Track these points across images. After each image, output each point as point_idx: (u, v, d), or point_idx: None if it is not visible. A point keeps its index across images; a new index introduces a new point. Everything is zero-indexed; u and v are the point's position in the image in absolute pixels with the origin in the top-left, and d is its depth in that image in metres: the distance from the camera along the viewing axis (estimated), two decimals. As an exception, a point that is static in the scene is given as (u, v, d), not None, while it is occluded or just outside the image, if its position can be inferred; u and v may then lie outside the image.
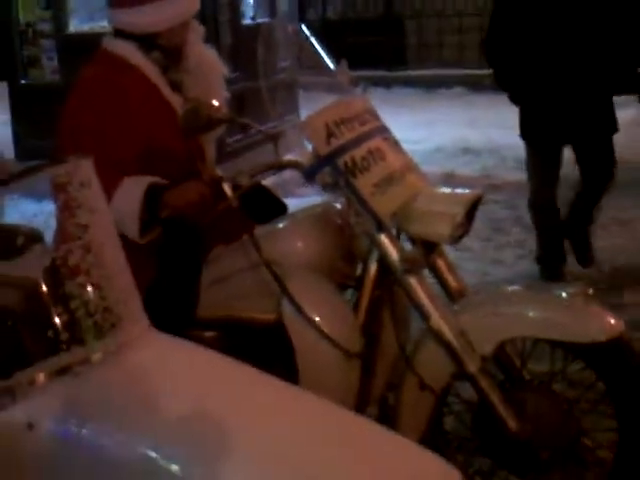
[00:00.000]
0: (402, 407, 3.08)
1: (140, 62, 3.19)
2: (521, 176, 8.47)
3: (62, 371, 2.23)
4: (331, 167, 2.89)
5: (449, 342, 2.93)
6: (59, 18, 8.54)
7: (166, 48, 3.22)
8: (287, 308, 2.91)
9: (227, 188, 2.83)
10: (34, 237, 3.52)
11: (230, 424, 2.17)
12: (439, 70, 14.28)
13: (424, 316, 2.96)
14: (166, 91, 3.21)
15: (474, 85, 14.07)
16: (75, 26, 8.61)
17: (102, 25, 8.48)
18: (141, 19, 3.19)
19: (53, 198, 2.42)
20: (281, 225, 3.17)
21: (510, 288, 3.31)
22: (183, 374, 2.34)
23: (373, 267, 3.05)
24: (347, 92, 3.18)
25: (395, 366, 3.20)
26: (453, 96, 13.46)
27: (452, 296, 3.14)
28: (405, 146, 3.13)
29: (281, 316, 2.97)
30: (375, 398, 3.19)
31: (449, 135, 10.13)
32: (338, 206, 3.24)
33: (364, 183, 2.90)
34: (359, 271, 3.19)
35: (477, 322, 2.99)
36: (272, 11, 8.96)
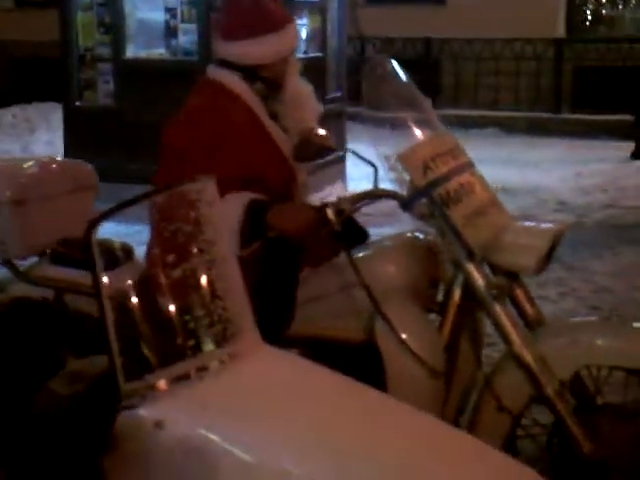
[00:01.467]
0: (478, 427, 3.23)
1: (243, 92, 3.38)
2: (560, 217, 8.69)
3: (186, 375, 2.41)
4: (427, 198, 3.08)
5: (529, 365, 3.10)
6: (117, 43, 8.78)
7: (268, 79, 3.41)
8: (380, 328, 3.08)
9: (330, 213, 3.00)
10: (128, 252, 3.73)
11: (342, 434, 2.32)
12: (473, 111, 14.50)
13: (507, 341, 3.13)
14: (266, 120, 3.39)
15: (508, 126, 14.30)
16: (132, 52, 8.84)
17: (158, 52, 8.76)
18: (247, 52, 3.37)
19: (152, 219, 2.58)
20: (371, 250, 3.34)
21: (586, 318, 3.48)
22: (297, 385, 2.50)
23: (457, 293, 3.22)
24: (435, 128, 3.37)
25: (468, 389, 3.38)
26: (487, 136, 13.68)
27: (530, 324, 3.31)
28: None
29: (371, 336, 3.15)
30: (448, 418, 3.35)
31: (484, 174, 10.27)
32: (421, 235, 3.43)
33: (457, 214, 3.08)
34: (440, 296, 3.37)
35: (555, 349, 3.16)
36: (323, 47, 9.18)
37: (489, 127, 14.01)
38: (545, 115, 14.70)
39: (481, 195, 3.23)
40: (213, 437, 2.33)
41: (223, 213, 2.98)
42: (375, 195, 3.14)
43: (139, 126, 8.60)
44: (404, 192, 3.14)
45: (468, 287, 3.19)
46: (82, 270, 3.59)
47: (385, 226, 7.30)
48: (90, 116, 8.91)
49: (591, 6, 16.15)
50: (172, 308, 2.46)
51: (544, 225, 3.35)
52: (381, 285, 3.13)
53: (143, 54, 8.82)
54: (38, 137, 12.34)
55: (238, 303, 2.52)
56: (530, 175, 10.88)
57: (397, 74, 3.32)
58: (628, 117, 12.75)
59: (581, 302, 6.15)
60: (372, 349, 3.16)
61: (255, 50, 3.36)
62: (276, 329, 3.12)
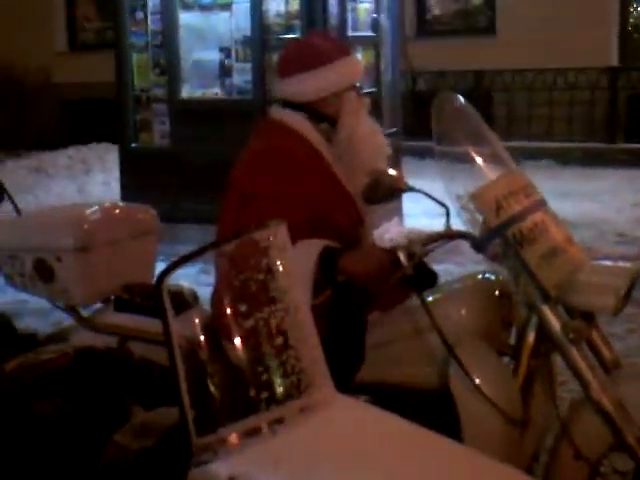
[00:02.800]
0: (555, 475, 3.13)
1: (307, 132, 3.32)
2: (622, 249, 8.54)
3: (260, 429, 2.34)
4: (500, 238, 2.99)
5: (609, 412, 2.99)
6: (172, 84, 8.81)
7: (326, 116, 3.34)
8: (454, 374, 2.99)
9: (402, 256, 2.93)
10: (193, 296, 3.68)
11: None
12: (527, 142, 14.36)
13: (584, 386, 3.03)
14: (332, 160, 3.33)
15: (562, 158, 14.14)
16: (187, 92, 8.87)
17: (213, 92, 8.78)
18: (300, 87, 3.33)
19: (220, 264, 2.52)
20: (443, 293, 3.26)
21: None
22: (373, 437, 2.42)
23: (531, 336, 3.13)
24: (506, 165, 3.29)
25: (543, 435, 3.27)
26: (541, 168, 13.53)
27: (606, 367, 3.20)
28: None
29: (444, 382, 3.06)
30: (522, 465, 3.24)
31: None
32: (492, 276, 3.34)
33: (531, 254, 3.00)
34: (512, 339, 3.28)
35: (635, 393, 3.05)
36: (377, 82, 9.14)
37: (543, 159, 13.84)
38: (600, 145, 14.52)
39: (555, 234, 3.13)
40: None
41: (296, 261, 2.93)
42: (448, 236, 3.06)
43: (195, 166, 8.63)
44: (476, 232, 3.06)
45: (542, 329, 3.09)
46: (146, 317, 3.57)
47: (446, 262, 7.22)
48: (146, 157, 8.94)
49: (644, 33, 16.00)
50: (245, 358, 2.40)
51: (621, 263, 3.25)
52: (454, 329, 3.05)
53: (198, 94, 8.85)
54: (93, 178, 12.43)
55: (312, 353, 2.45)
56: (587, 207, 10.72)
57: (466, 110, 3.25)
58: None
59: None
60: (445, 396, 3.07)
61: (305, 85, 3.32)
62: (346, 376, 3.04)
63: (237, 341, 2.41)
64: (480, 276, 3.34)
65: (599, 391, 3.00)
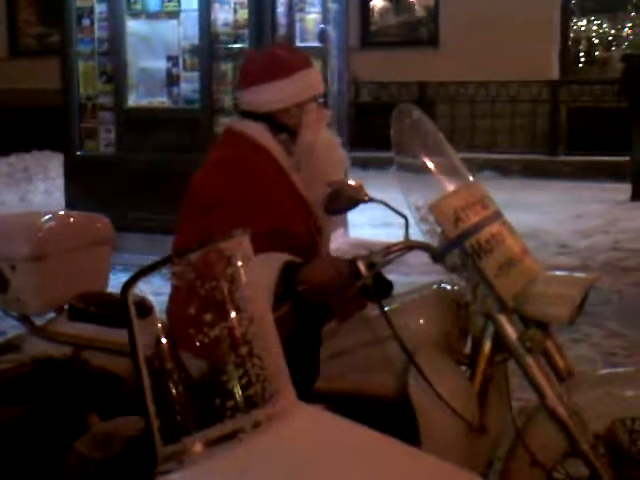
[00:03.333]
0: (510, 481, 3.17)
1: (268, 142, 3.33)
2: (564, 260, 8.67)
3: (225, 437, 2.34)
4: (459, 249, 3.03)
5: (564, 420, 3.05)
6: (119, 92, 8.77)
7: (286, 127, 3.36)
8: (414, 382, 3.02)
9: (362, 267, 2.95)
10: (149, 307, 3.66)
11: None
12: (469, 154, 14.50)
13: (540, 394, 3.08)
14: (291, 171, 3.35)
15: (504, 169, 14.31)
16: (134, 100, 8.83)
17: (160, 100, 8.75)
18: (260, 98, 3.34)
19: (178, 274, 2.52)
20: (400, 302, 3.29)
21: (616, 370, 3.42)
22: (336, 445, 2.44)
23: (487, 345, 3.17)
24: (463, 177, 3.34)
25: (496, 443, 3.32)
26: (483, 179, 13.63)
27: (560, 375, 3.25)
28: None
29: (403, 390, 3.08)
30: (478, 472, 3.28)
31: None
32: (447, 286, 3.38)
33: (489, 265, 3.04)
34: (467, 349, 3.32)
35: (589, 402, 3.10)
36: (324, 93, 9.17)
37: (485, 170, 13.99)
38: (541, 157, 14.73)
39: (512, 245, 3.19)
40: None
41: (257, 273, 2.93)
42: (407, 247, 3.09)
43: (141, 175, 8.60)
44: (435, 243, 3.09)
45: (498, 339, 3.14)
46: (101, 326, 3.55)
47: (393, 273, 7.26)
48: (92, 165, 8.88)
49: (583, 47, 16.26)
50: (206, 368, 2.40)
51: (576, 275, 3.31)
52: (413, 338, 3.08)
53: (145, 102, 8.81)
54: (36, 186, 12.32)
55: (275, 361, 2.46)
56: (529, 218, 10.85)
57: (425, 121, 3.29)
58: (624, 158, 12.77)
59: (595, 348, 6.10)
60: (403, 404, 3.09)
61: (267, 95, 3.33)
62: (303, 388, 3.06)
63: (199, 350, 2.41)
64: (436, 286, 3.37)
65: (554, 399, 3.06)
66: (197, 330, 2.40)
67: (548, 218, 10.92)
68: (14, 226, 3.71)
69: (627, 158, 12.55)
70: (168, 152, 8.53)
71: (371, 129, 14.66)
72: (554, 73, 15.52)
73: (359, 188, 3.11)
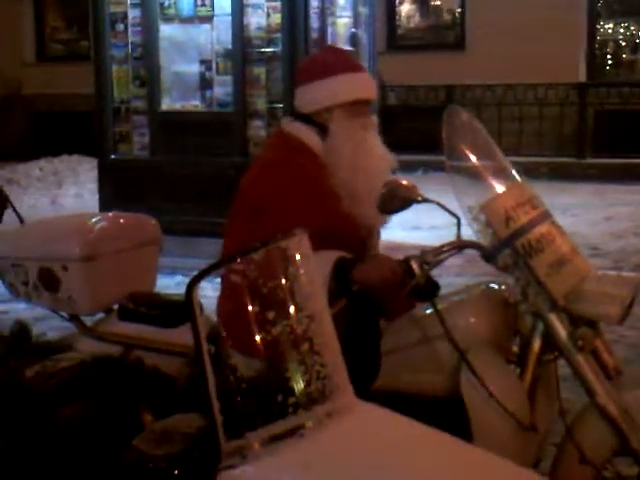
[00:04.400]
0: (559, 479, 3.19)
1: (315, 145, 3.36)
2: (597, 263, 8.66)
3: (286, 434, 2.38)
4: (510, 249, 3.06)
5: (614, 418, 3.07)
6: (153, 96, 8.83)
7: (322, 126, 3.37)
8: (466, 381, 3.05)
9: (415, 266, 2.98)
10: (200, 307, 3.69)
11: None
12: (497, 157, 14.48)
13: (590, 392, 3.10)
14: None
15: (532, 172, 14.28)
16: (167, 104, 8.90)
17: (193, 104, 8.81)
18: (302, 97, 3.40)
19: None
20: (450, 302, 3.31)
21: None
22: (396, 442, 2.47)
23: (537, 344, 3.19)
24: (512, 178, 3.36)
25: (545, 441, 3.34)
26: (511, 182, 13.65)
27: (609, 374, 3.27)
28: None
29: (454, 389, 3.11)
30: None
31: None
32: (496, 286, 3.40)
33: (540, 264, 3.06)
34: (515, 347, 3.34)
35: (636, 400, 3.12)
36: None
37: (513, 173, 13.98)
38: (569, 160, 14.71)
39: (562, 244, 3.21)
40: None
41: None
42: (459, 246, 3.12)
43: (175, 178, 8.66)
44: (486, 243, 3.12)
45: (548, 337, 3.16)
46: (150, 326, 3.60)
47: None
48: (125, 169, 8.95)
49: (610, 50, 16.23)
50: (267, 366, 2.44)
51: (625, 274, 3.33)
52: (463, 337, 3.10)
53: (178, 106, 8.88)
54: (66, 190, 12.41)
55: (335, 359, 2.50)
56: (560, 221, 10.82)
57: (474, 123, 3.32)
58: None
59: (633, 349, 6.10)
60: (455, 403, 3.12)
61: (307, 96, 3.38)
62: (362, 385, 3.09)
63: (255, 349, 2.44)
64: (484, 286, 3.40)
65: (605, 397, 3.08)
66: (256, 328, 2.44)
67: (578, 220, 10.91)
68: (66, 227, 3.76)
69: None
70: (202, 155, 8.58)
71: (399, 132, 14.73)
72: (581, 76, 15.50)
73: (413, 188, 3.14)
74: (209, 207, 8.11)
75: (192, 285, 2.40)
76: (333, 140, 3.35)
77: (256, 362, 2.46)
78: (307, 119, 3.39)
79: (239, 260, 2.45)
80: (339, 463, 2.36)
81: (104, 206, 8.90)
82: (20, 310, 6.73)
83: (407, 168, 13.91)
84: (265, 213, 3.21)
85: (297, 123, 3.42)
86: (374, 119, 3.56)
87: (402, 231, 9.57)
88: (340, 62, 3.44)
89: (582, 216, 11.18)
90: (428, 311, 3.23)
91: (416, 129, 14.86)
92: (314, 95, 3.37)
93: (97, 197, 10.02)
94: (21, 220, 3.96)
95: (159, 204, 8.60)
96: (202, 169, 8.44)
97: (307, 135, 3.37)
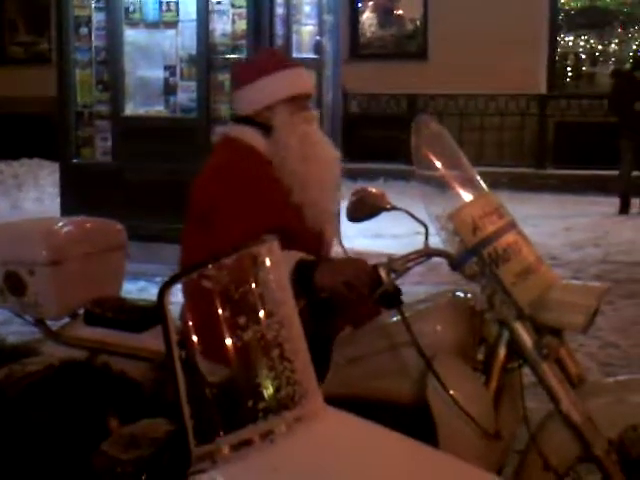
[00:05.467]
0: (523, 487, 3.23)
1: (258, 144, 3.39)
2: (557, 274, 8.73)
3: (257, 438, 2.39)
4: (477, 257, 3.09)
5: (578, 425, 3.10)
6: (116, 101, 8.80)
7: (264, 126, 3.40)
8: (432, 389, 3.07)
9: (383, 274, 3.00)
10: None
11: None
12: (458, 166, 14.57)
13: (555, 400, 3.13)
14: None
15: (492, 182, 14.37)
16: (131, 109, 8.87)
17: (157, 109, 8.79)
18: (239, 100, 3.47)
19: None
20: (416, 309, 3.34)
21: (629, 376, 3.48)
22: (364, 447, 2.49)
23: (502, 352, 3.22)
24: (479, 188, 3.40)
25: (508, 448, 3.37)
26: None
27: (573, 382, 3.31)
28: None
29: (419, 397, 3.13)
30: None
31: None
32: (461, 294, 3.43)
33: (506, 273, 3.10)
34: (480, 355, 3.37)
35: (602, 407, 3.17)
36: (319, 103, 9.25)
37: (474, 182, 14.07)
38: (529, 170, 14.84)
39: (528, 254, 3.25)
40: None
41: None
42: (427, 254, 3.15)
43: (138, 183, 8.63)
44: (453, 251, 3.15)
45: (513, 346, 3.19)
46: (116, 330, 3.59)
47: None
48: (88, 173, 8.91)
49: (571, 62, 16.41)
50: (242, 370, 2.45)
51: (590, 284, 3.37)
52: (430, 345, 3.13)
53: (142, 111, 8.86)
54: (26, 194, 12.33)
55: (304, 365, 2.51)
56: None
57: (442, 133, 3.35)
58: (611, 172, 12.89)
59: (591, 358, 6.18)
60: (420, 410, 3.14)
61: (244, 98, 3.44)
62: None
63: (221, 355, 2.45)
64: (450, 294, 3.42)
65: (569, 405, 3.11)
66: (226, 334, 2.45)
67: (537, 231, 10.97)
68: (32, 231, 3.74)
69: (613, 172, 12.67)
70: (165, 161, 8.56)
71: (361, 141, 14.79)
72: (542, 87, 15.65)
73: (382, 196, 3.17)
74: (172, 213, 8.03)
75: (164, 290, 2.40)
76: (278, 135, 3.39)
77: (225, 368, 2.47)
78: (249, 121, 3.41)
79: (210, 266, 2.46)
80: (309, 468, 2.37)
81: (65, 210, 8.85)
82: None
83: (368, 176, 14.01)
84: (214, 216, 3.24)
85: (239, 126, 3.45)
86: (315, 113, 3.59)
87: (364, 239, 9.62)
88: (274, 61, 3.50)
89: (542, 227, 11.27)
90: (394, 318, 3.26)
91: (378, 138, 14.95)
92: (253, 96, 3.42)
93: (58, 201, 9.98)
94: (-14, 224, 3.94)
95: (121, 209, 8.54)
96: (165, 175, 8.42)
97: (251, 136, 3.40)
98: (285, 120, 3.39)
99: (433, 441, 3.06)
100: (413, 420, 3.15)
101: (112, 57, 8.83)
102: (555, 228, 11.22)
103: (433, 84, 15.21)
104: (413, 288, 6.43)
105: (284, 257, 3.05)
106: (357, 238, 9.67)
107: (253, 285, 2.50)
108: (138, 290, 7.37)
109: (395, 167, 13.93)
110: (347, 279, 3.03)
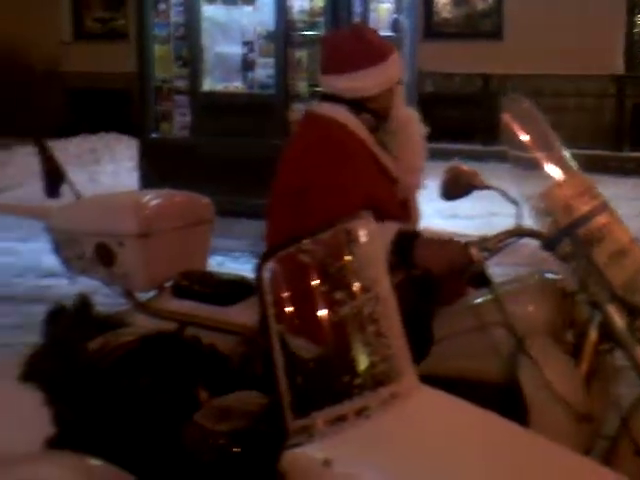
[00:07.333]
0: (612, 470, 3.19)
1: (352, 123, 3.38)
2: None
3: (351, 414, 2.40)
4: (571, 238, 3.06)
5: (671, 410, 3.07)
6: (194, 76, 8.86)
7: (375, 111, 3.41)
8: (524, 369, 3.05)
9: (475, 252, 2.99)
10: (249, 286, 3.73)
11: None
12: (532, 147, 14.41)
13: (647, 384, 3.10)
14: (376, 149, 3.40)
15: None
16: (209, 85, 8.92)
17: (235, 85, 8.83)
18: (353, 85, 3.39)
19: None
20: (506, 291, 3.30)
21: None
22: (459, 425, 2.49)
23: (593, 335, 3.19)
24: (570, 168, 3.36)
25: (598, 432, 3.34)
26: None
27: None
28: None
29: (509, 377, 3.11)
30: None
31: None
32: (551, 275, 3.40)
33: (600, 254, 3.07)
34: (569, 337, 3.34)
35: None
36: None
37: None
38: (606, 153, 14.62)
39: (621, 235, 3.21)
40: (380, 477, 2.33)
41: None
42: (519, 233, 3.12)
43: (215, 158, 8.68)
44: (545, 232, 3.12)
45: (605, 328, 3.16)
46: (204, 304, 3.62)
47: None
48: (166, 147, 8.99)
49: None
50: (338, 346, 2.46)
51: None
52: (520, 325, 3.10)
53: (220, 87, 8.90)
54: (103, 167, 12.44)
55: (399, 342, 2.51)
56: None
57: (534, 112, 3.32)
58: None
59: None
60: (510, 390, 3.12)
61: (360, 83, 3.38)
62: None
63: (328, 328, 2.46)
64: (540, 275, 3.39)
65: (662, 388, 3.08)
66: (323, 309, 2.46)
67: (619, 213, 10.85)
68: (122, 204, 3.79)
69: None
70: (242, 136, 8.61)
71: (434, 120, 14.65)
72: (619, 68, 15.39)
73: (475, 175, 3.15)
74: (248, 188, 8.15)
75: (261, 264, 2.42)
76: (398, 119, 3.43)
77: (320, 343, 2.48)
78: (336, 100, 3.40)
79: (307, 241, 2.47)
80: (403, 445, 2.38)
81: (144, 184, 8.96)
82: (63, 285, 6.78)
83: (442, 156, 13.89)
84: (307, 194, 3.23)
85: (328, 104, 3.43)
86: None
87: (440, 219, 9.57)
88: (384, 47, 3.49)
89: (621, 209, 11.09)
90: (482, 298, 3.24)
91: (452, 117, 14.83)
92: (366, 82, 3.38)
93: (134, 175, 10.08)
94: (78, 195, 3.99)
95: (198, 184, 8.56)
96: (242, 150, 8.46)
97: (342, 114, 3.39)
98: (400, 101, 3.45)
99: (521, 421, 3.04)
100: (500, 399, 3.13)
101: (190, 33, 8.89)
102: (632, 211, 11.04)
103: (508, 63, 15.02)
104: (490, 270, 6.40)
105: (382, 228, 3.07)
106: (433, 218, 9.65)
107: (349, 260, 2.51)
108: (216, 265, 7.43)
109: (469, 147, 13.82)
110: (446, 256, 3.02)
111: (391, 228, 3.08)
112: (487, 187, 3.14)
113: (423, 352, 3.20)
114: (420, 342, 3.19)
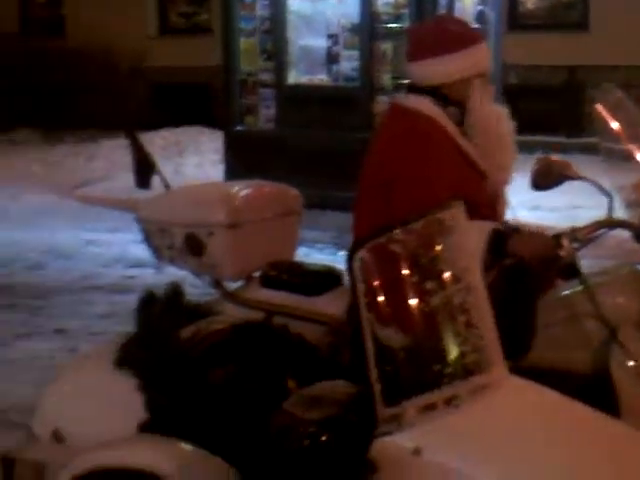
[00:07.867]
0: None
1: (438, 115, 3.35)
2: None
3: (440, 404, 2.41)
4: (663, 228, 3.02)
5: None
6: (280, 69, 8.91)
7: (452, 100, 3.37)
8: (616, 359, 3.02)
9: (566, 243, 2.96)
10: (337, 276, 3.74)
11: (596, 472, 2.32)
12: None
13: None
14: (462, 142, 3.37)
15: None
16: (294, 77, 8.97)
17: (320, 78, 8.86)
18: (427, 71, 3.37)
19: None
20: (596, 282, 3.27)
21: None
22: (549, 417, 2.48)
23: (684, 328, 3.14)
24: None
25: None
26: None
27: None
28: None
29: (599, 368, 3.08)
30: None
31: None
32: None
33: (694, 246, 3.02)
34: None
35: None
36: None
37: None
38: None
39: None
40: (470, 466, 2.33)
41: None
42: (610, 224, 3.09)
43: (300, 151, 8.72)
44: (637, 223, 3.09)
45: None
46: (291, 294, 3.65)
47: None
48: (251, 140, 9.05)
49: None
50: (429, 335, 2.47)
51: None
52: (611, 316, 3.07)
53: (305, 80, 8.94)
54: (188, 160, 12.59)
55: (490, 333, 2.51)
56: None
57: (627, 103, 3.27)
58: None
59: None
60: (600, 381, 3.09)
61: (442, 67, 3.35)
62: (510, 358, 3.08)
63: (421, 318, 2.47)
64: (632, 267, 3.35)
65: None
66: (414, 298, 2.47)
67: None
68: (212, 195, 3.83)
69: None
70: (327, 129, 8.64)
71: (519, 112, 14.51)
72: None
73: (568, 165, 3.12)
74: (333, 181, 8.18)
75: (352, 254, 2.43)
76: (475, 113, 3.36)
77: (409, 333, 2.48)
78: (425, 91, 3.38)
79: (398, 230, 2.48)
80: (493, 435, 2.38)
81: (229, 176, 9.04)
82: (149, 276, 6.90)
83: (526, 149, 13.78)
84: (394, 186, 3.22)
85: (413, 96, 3.42)
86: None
87: (523, 210, 9.50)
88: (467, 34, 3.45)
89: None
90: (572, 289, 3.21)
91: (536, 109, 14.67)
92: (442, 68, 3.36)
93: (218, 167, 10.18)
94: (167, 186, 4.05)
95: (283, 176, 8.62)
96: (327, 143, 8.49)
97: (427, 106, 3.36)
98: (479, 94, 3.37)
99: (610, 412, 3.01)
100: (590, 390, 3.10)
101: (276, 26, 8.93)
102: None
103: (594, 55, 14.81)
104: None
105: (477, 226, 3.06)
106: (517, 209, 9.58)
107: (440, 250, 2.51)
108: (303, 256, 7.46)
109: (554, 139, 13.66)
110: (538, 246, 3.00)
111: (485, 225, 3.07)
112: (580, 178, 3.10)
113: (525, 344, 3.18)
114: (521, 334, 3.18)
